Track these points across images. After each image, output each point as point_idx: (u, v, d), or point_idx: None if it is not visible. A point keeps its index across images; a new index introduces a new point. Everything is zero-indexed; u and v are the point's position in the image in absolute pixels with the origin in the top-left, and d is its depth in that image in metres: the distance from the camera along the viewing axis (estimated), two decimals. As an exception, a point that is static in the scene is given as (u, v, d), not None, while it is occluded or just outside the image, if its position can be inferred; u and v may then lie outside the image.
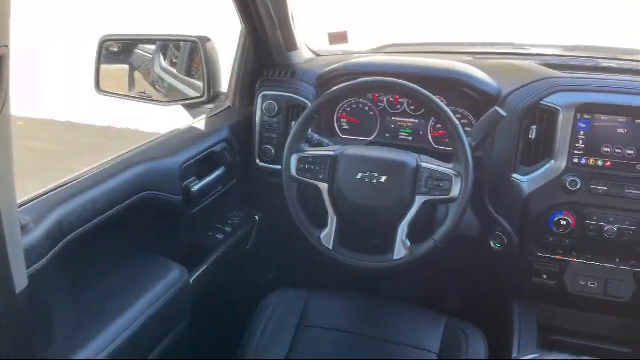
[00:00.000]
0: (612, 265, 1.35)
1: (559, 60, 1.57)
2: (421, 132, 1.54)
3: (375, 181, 1.25)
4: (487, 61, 1.59)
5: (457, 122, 1.23)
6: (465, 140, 1.22)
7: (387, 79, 1.28)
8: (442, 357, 1.31)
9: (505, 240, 1.41)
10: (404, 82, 1.26)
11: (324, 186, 1.29)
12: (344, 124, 1.61)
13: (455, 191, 1.21)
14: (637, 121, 1.28)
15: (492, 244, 1.44)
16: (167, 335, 1.26)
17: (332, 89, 1.32)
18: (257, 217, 1.67)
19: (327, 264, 1.29)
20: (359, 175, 1.26)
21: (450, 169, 1.23)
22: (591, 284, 1.36)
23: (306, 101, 1.53)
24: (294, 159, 1.31)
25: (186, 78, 1.72)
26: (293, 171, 1.31)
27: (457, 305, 1.81)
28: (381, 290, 1.87)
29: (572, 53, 1.75)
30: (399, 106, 1.55)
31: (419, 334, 1.38)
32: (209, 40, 1.59)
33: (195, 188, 1.34)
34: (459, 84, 1.43)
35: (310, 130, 1.40)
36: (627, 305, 1.35)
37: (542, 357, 1.05)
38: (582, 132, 1.31)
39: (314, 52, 1.79)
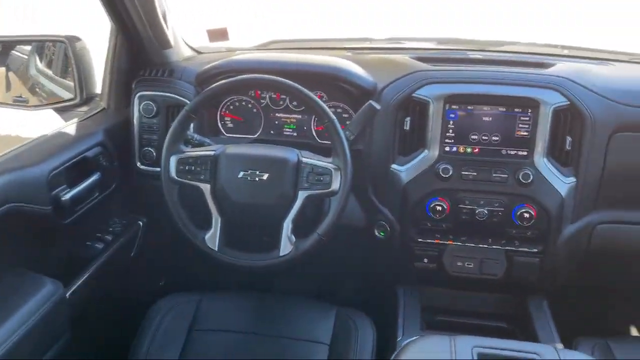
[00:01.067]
0: (485, 246, 1.44)
1: (431, 54, 1.64)
2: (305, 128, 1.56)
3: (257, 179, 1.24)
4: (365, 56, 1.64)
5: (333, 117, 1.25)
6: (342, 134, 1.24)
7: (263, 76, 1.28)
8: (333, 347, 1.33)
9: (388, 229, 1.46)
10: (281, 79, 1.26)
11: (206, 187, 1.27)
12: (227, 122, 1.59)
13: (336, 184, 1.23)
14: (500, 109, 1.37)
15: (376, 232, 1.48)
16: (47, 352, 1.18)
17: (208, 88, 1.30)
18: (140, 223, 1.61)
19: (217, 265, 1.28)
20: (241, 174, 1.25)
21: (329, 163, 1.25)
22: (468, 264, 1.45)
23: (185, 100, 1.49)
24: (173, 161, 1.28)
25: (62, 80, 1.62)
26: (173, 173, 1.28)
27: (349, 294, 1.85)
28: (275, 286, 1.88)
29: (444, 46, 1.84)
30: (281, 102, 1.55)
31: (311, 326, 1.39)
32: (78, 39, 1.51)
33: (67, 197, 1.26)
34: (337, 79, 1.46)
35: (191, 130, 1.37)
36: (501, 282, 1.45)
37: (422, 338, 1.10)
38: (451, 122, 1.38)
39: (194, 50, 1.75)
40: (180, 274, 1.83)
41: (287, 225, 1.24)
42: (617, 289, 1.74)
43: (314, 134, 1.55)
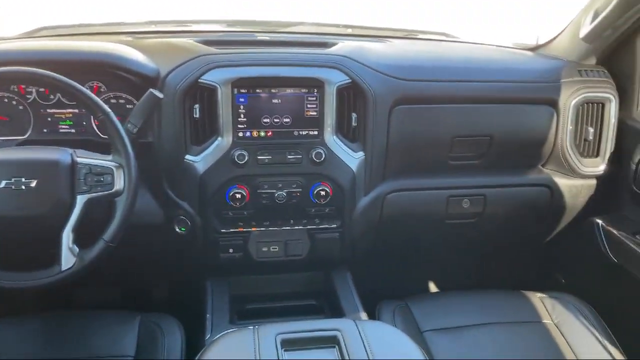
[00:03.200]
0: (288, 228, 1.45)
1: (218, 37, 1.59)
2: (84, 123, 1.40)
3: (24, 187, 1.08)
4: (146, 41, 1.52)
5: (107, 109, 1.13)
6: (120, 128, 1.14)
7: (14, 68, 1.10)
8: (138, 358, 1.24)
9: (189, 223, 1.40)
10: (38, 70, 1.10)
11: None
12: None
13: (119, 184, 1.13)
14: (288, 90, 1.37)
15: (177, 228, 1.40)
16: None
17: None
18: None
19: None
20: (3, 184, 1.07)
21: (109, 161, 1.14)
22: (273, 248, 1.44)
23: None
24: None
25: None
26: None
27: (157, 297, 1.75)
28: (76, 300, 1.70)
29: (232, 28, 1.79)
30: (52, 97, 1.37)
31: (113, 340, 1.27)
32: None
33: None
34: (113, 67, 1.33)
35: None
36: (306, 260, 1.47)
37: (227, 334, 1.07)
38: (241, 107, 1.35)
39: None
40: None
41: (67, 235, 1.10)
42: (411, 251, 1.89)
43: (95, 129, 1.40)
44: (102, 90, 1.37)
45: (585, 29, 1.51)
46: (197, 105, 1.34)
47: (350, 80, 1.37)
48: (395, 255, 1.84)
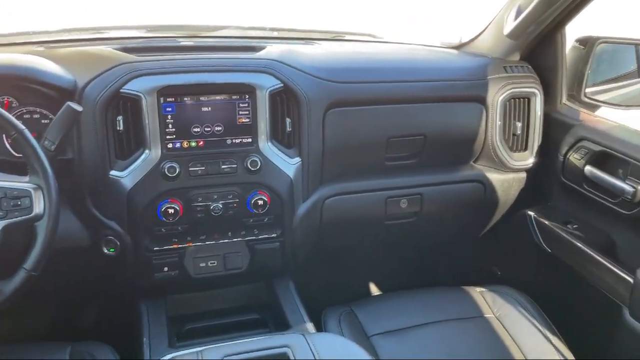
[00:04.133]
0: (226, 240, 1.39)
1: (139, 43, 1.50)
2: None
3: None
4: (60, 50, 1.42)
5: (21, 126, 1.03)
6: (37, 145, 1.04)
7: None
8: None
9: (118, 243, 1.31)
10: None
11: None
12: None
13: (39, 207, 1.03)
14: (218, 97, 1.31)
15: (105, 249, 1.31)
16: None
17: None
18: None
19: None
20: None
21: (26, 182, 1.04)
22: (211, 263, 1.38)
23: None
24: None
25: None
26: None
27: (89, 324, 1.64)
28: (4, 334, 1.56)
29: (153, 34, 1.71)
30: None
31: None
32: None
33: None
34: (24, 80, 1.22)
35: None
36: (247, 273, 1.42)
37: (170, 358, 1.00)
38: (169, 116, 1.28)
39: None
40: None
41: None
42: (353, 255, 1.87)
43: (9, 148, 1.28)
44: (13, 105, 1.26)
45: (509, 25, 1.54)
46: (120, 117, 1.26)
47: (282, 85, 1.33)
48: (338, 259, 1.82)
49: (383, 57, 1.61)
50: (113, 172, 1.27)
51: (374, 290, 1.99)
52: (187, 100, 1.29)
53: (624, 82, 1.75)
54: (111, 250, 1.31)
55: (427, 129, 1.50)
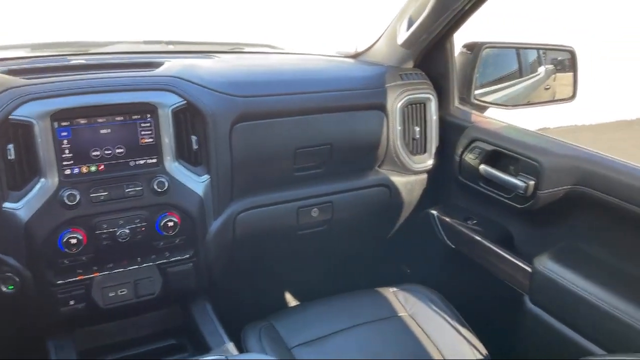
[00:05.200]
0: (136, 266, 1.33)
1: (24, 64, 1.40)
2: None
3: None
4: None
5: None
6: None
7: None
8: None
9: (17, 279, 1.22)
10: None
11: None
12: None
13: None
14: (117, 118, 1.25)
15: (3, 287, 1.22)
16: None
17: None
18: None
19: None
20: None
21: None
22: (121, 291, 1.32)
23: None
24: None
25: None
26: None
27: None
28: None
29: (39, 52, 1.60)
30: None
31: None
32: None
33: None
34: None
35: None
36: (159, 298, 1.37)
37: None
38: (65, 141, 1.20)
39: None
40: None
41: None
42: (269, 268, 1.87)
43: None
44: None
45: (403, 35, 1.61)
46: (10, 145, 1.17)
47: (185, 102, 1.30)
48: (254, 274, 1.80)
49: (285, 68, 1.62)
50: (6, 205, 1.18)
51: (293, 301, 2.00)
52: (84, 123, 1.22)
53: (508, 83, 1.88)
54: (10, 287, 1.21)
55: (333, 138, 1.53)
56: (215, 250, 1.42)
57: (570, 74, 1.80)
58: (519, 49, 1.87)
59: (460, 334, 1.44)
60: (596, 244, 1.35)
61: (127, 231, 1.27)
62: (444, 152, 1.70)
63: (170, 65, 1.39)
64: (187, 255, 1.38)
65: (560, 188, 1.36)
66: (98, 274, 1.29)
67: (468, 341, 1.42)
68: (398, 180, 1.69)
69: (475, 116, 1.67)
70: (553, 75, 1.88)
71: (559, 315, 1.31)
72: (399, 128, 1.62)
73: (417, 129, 1.66)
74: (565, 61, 1.81)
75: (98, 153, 1.24)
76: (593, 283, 1.24)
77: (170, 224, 1.30)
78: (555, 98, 1.88)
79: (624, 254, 1.28)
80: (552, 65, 1.88)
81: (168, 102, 1.28)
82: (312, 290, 1.75)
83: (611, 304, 1.19)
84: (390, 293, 1.58)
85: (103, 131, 1.24)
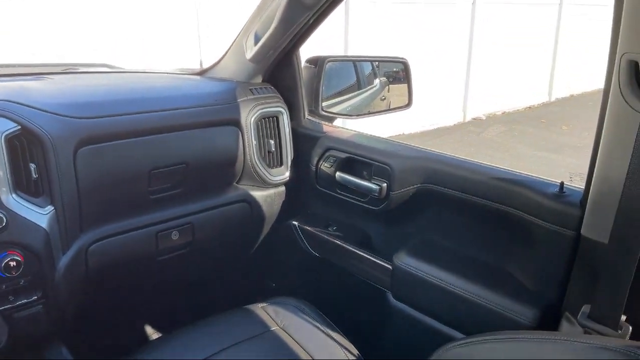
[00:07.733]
0: None
1: None
2: None
3: None
4: None
5: None
6: None
7: None
8: None
9: None
10: None
11: None
12: None
13: None
14: None
15: None
16: None
17: None
18: None
19: None
20: None
21: None
22: None
23: None
24: None
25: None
26: None
27: None
28: None
29: None
30: None
31: None
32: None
33: None
34: None
35: None
36: (6, 349, 1.20)
37: None
38: None
39: None
40: None
41: None
42: (130, 300, 1.74)
43: None
44: None
45: (251, 51, 1.62)
46: None
47: (19, 127, 1.17)
48: (113, 309, 1.66)
49: (130, 87, 1.53)
50: None
51: (156, 333, 1.88)
52: None
53: (350, 95, 1.98)
54: None
55: (188, 156, 1.48)
56: (66, 288, 1.29)
57: (404, 85, 1.95)
58: (356, 62, 1.98)
59: (332, 337, 1.47)
60: (445, 234, 1.46)
61: None
62: (300, 163, 1.73)
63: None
64: (35, 297, 1.23)
65: (409, 187, 1.46)
66: None
67: (339, 343, 1.45)
68: (257, 194, 1.68)
69: (326, 126, 1.73)
70: (387, 87, 2.02)
71: (420, 307, 1.40)
72: (255, 142, 1.62)
73: (272, 142, 1.67)
74: (400, 72, 1.96)
75: None
76: (446, 271, 1.35)
77: (13, 263, 1.15)
78: (392, 107, 2.02)
79: (469, 240, 1.41)
80: (384, 78, 2.03)
81: (0, 127, 1.14)
82: (179, 318, 1.66)
83: (464, 289, 1.29)
84: (260, 309, 1.56)
85: None
